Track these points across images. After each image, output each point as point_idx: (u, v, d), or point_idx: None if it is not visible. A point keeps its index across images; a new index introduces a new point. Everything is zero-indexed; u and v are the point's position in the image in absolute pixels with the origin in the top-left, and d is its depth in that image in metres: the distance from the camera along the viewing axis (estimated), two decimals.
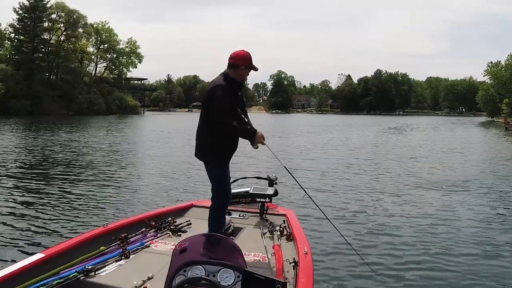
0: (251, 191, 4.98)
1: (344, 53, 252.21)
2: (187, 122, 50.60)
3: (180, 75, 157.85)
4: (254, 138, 3.80)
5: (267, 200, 4.89)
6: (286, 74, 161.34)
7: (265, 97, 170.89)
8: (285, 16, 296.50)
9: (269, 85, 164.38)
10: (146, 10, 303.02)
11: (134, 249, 3.76)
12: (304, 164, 14.11)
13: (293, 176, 3.98)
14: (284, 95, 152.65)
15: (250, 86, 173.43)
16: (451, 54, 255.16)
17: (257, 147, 3.87)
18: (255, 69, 3.94)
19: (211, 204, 3.99)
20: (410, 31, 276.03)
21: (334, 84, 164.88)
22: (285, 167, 4.09)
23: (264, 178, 5.31)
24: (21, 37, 67.90)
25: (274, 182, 5.20)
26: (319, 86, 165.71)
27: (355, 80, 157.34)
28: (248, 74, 3.94)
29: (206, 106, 3.80)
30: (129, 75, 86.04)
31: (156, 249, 3.86)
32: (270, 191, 4.93)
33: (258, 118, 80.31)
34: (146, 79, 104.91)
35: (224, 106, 3.66)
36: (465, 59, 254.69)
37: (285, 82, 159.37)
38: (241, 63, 3.84)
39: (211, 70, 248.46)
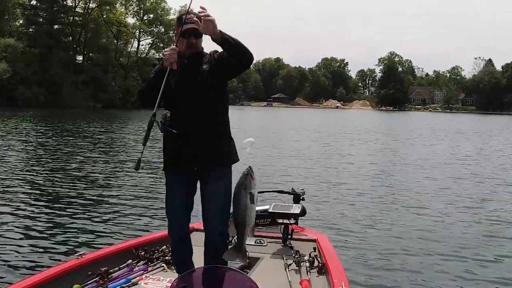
0: (270, 210, 4.35)
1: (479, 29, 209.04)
2: (258, 120, 43.64)
3: (259, 58, 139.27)
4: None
5: (292, 221, 4.31)
6: (401, 58, 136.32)
7: (373, 88, 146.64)
8: None
9: (378, 73, 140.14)
10: None
11: (118, 287, 3.42)
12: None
13: None
14: (398, 86, 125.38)
15: (353, 74, 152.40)
16: None
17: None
18: (183, 35, 3.10)
19: None
20: None
21: (468, 72, 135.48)
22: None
23: (288, 192, 4.84)
24: (37, 3, 57.46)
25: (301, 198, 4.65)
26: (447, 75, 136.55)
27: (498, 67, 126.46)
28: (186, 43, 3.11)
29: None
30: None
31: (146, 287, 3.51)
32: (296, 209, 4.30)
33: (351, 115, 66.93)
34: None
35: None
36: None
37: (400, 69, 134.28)
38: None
39: (294, 52, 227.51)
